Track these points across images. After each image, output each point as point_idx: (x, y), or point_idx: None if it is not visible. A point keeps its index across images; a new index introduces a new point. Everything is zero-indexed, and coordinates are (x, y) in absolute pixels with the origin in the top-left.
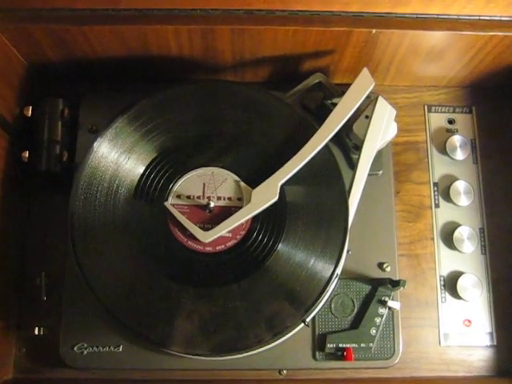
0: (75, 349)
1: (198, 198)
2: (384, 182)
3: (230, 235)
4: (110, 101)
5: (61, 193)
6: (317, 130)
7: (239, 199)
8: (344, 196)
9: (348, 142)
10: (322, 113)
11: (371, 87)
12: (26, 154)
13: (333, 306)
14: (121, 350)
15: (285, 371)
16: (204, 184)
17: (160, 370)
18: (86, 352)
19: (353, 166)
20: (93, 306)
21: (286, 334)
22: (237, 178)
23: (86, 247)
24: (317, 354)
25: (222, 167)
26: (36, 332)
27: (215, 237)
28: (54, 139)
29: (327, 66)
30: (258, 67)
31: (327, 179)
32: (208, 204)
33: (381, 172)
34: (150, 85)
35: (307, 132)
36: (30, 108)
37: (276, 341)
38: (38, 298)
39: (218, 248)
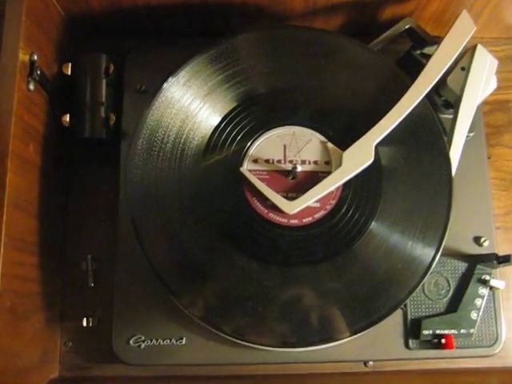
0: (131, 342)
1: (279, 162)
2: (476, 145)
3: (319, 205)
4: (159, 57)
5: (107, 163)
6: (411, 82)
7: (327, 163)
8: (447, 157)
9: (437, 99)
10: (407, 65)
11: (472, 32)
12: (67, 117)
13: (425, 286)
14: (184, 342)
15: (371, 362)
16: (285, 146)
17: (229, 364)
18: (143, 346)
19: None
20: (151, 292)
21: (382, 319)
22: (323, 138)
23: (146, 221)
24: (410, 341)
25: (305, 126)
26: (84, 323)
27: (301, 207)
28: (97, 101)
29: (410, 13)
30: (330, 15)
31: (426, 138)
32: (294, 168)
33: (472, 134)
34: (204, 38)
35: (400, 85)
36: (70, 65)
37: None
38: (85, 285)
39: (304, 220)
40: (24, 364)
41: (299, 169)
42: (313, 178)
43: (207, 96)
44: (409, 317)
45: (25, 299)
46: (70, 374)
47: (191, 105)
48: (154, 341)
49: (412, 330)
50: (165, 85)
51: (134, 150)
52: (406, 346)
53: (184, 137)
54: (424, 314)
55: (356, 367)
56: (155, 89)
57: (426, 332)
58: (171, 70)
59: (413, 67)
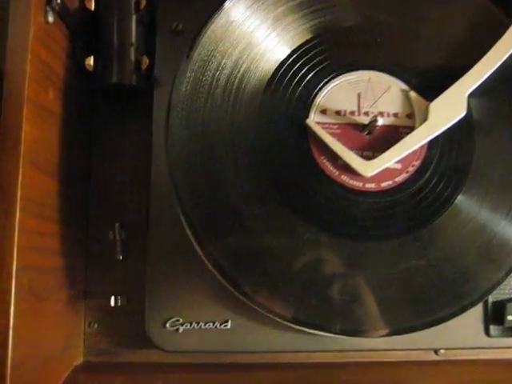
0: (167, 326)
1: (352, 113)
2: None
3: (400, 167)
4: None
5: (135, 114)
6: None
7: (409, 116)
8: None
9: None
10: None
11: None
12: (91, 60)
13: None
14: (229, 326)
15: (442, 351)
16: (359, 95)
17: (281, 352)
18: (181, 330)
19: None
20: (192, 267)
21: (475, 305)
22: (405, 86)
23: (188, 181)
24: (491, 328)
25: (384, 71)
26: (112, 303)
27: (380, 169)
28: (126, 41)
29: None
30: None
31: None
32: (373, 121)
33: None
34: None
35: (497, 24)
36: None
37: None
38: (112, 258)
39: (383, 185)
40: (45, 351)
41: (380, 122)
42: (392, 134)
43: (276, 23)
44: (490, 300)
45: (44, 275)
46: (95, 360)
47: (255, 32)
48: (195, 324)
49: (494, 314)
50: (227, 3)
51: (177, 94)
52: (487, 333)
53: (240, 74)
54: (509, 296)
55: (424, 356)
56: (193, 28)
57: (511, 317)
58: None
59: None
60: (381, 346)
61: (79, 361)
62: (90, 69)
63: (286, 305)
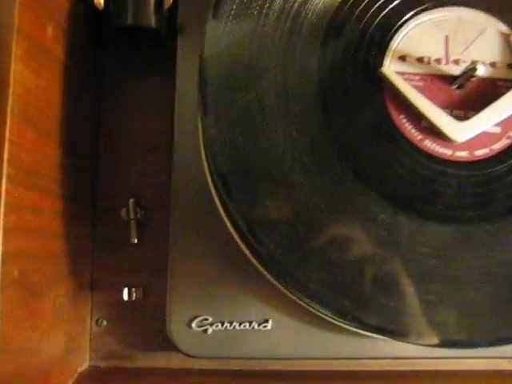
0: (193, 325)
1: (438, 61)
2: None
3: (499, 131)
4: None
5: (155, 65)
6: None
7: (510, 66)
8: None
9: None
10: None
11: None
12: None
13: None
14: (270, 327)
15: None
16: (446, 38)
17: (335, 358)
18: (210, 331)
19: None
20: (224, 254)
21: None
22: (505, 27)
23: (229, 141)
24: None
25: (478, 8)
26: (125, 296)
27: (475, 133)
28: None
29: None
30: None
31: None
32: (469, 72)
33: None
34: None
35: None
36: None
37: None
38: (125, 241)
39: (477, 153)
40: (42, 358)
41: (480, 71)
42: (489, 89)
43: None
44: None
45: (40, 264)
46: (104, 364)
47: None
48: (227, 324)
49: None
50: None
51: (212, 36)
52: None
53: (295, 9)
54: None
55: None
56: None
57: None
58: None
59: None
60: (461, 353)
61: (84, 366)
62: (100, 7)
63: (351, 304)
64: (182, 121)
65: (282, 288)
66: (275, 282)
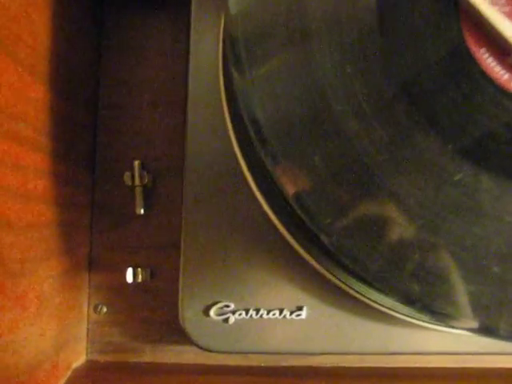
0: (211, 313)
1: None
2: None
3: None
4: None
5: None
6: None
7: None
8: None
9: None
10: None
11: None
12: None
13: None
14: (304, 316)
15: None
16: None
17: (392, 353)
18: (232, 320)
19: None
20: (249, 225)
21: None
22: None
23: (266, 84)
24: None
25: None
26: (129, 277)
27: None
28: None
29: None
30: None
31: None
32: None
33: None
34: None
35: None
36: None
37: None
38: (129, 212)
39: None
40: (27, 355)
41: None
42: None
43: None
44: None
45: (23, 236)
46: (104, 359)
47: None
48: (253, 312)
49: None
50: None
51: None
52: None
53: None
54: None
55: None
56: None
57: None
58: None
59: None
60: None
61: (80, 361)
62: None
63: (422, 289)
64: (198, 71)
65: (321, 269)
66: (314, 262)
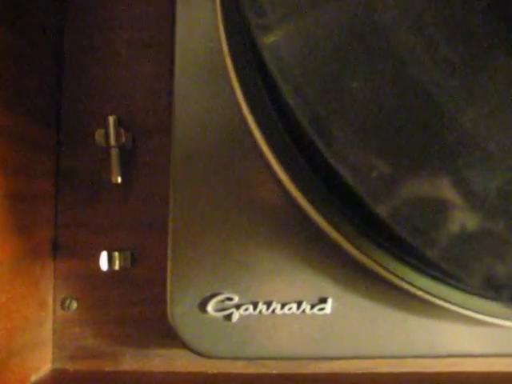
0: (209, 309)
1: None
2: None
3: None
4: None
5: None
6: None
7: None
8: None
9: None
10: None
11: None
12: None
13: None
14: (329, 311)
15: None
16: None
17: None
18: (237, 316)
19: None
20: (260, 195)
21: None
22: None
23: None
24: None
25: None
26: (103, 264)
27: None
28: None
29: None
30: None
31: None
32: None
33: None
34: None
35: None
36: None
37: None
38: (102, 181)
39: None
40: None
41: None
42: None
43: None
44: None
45: None
46: (74, 367)
47: None
48: (263, 307)
49: None
50: None
51: None
52: None
53: None
54: None
55: None
56: None
57: None
58: None
59: None
60: None
61: (44, 371)
62: None
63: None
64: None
65: (353, 249)
66: (343, 240)
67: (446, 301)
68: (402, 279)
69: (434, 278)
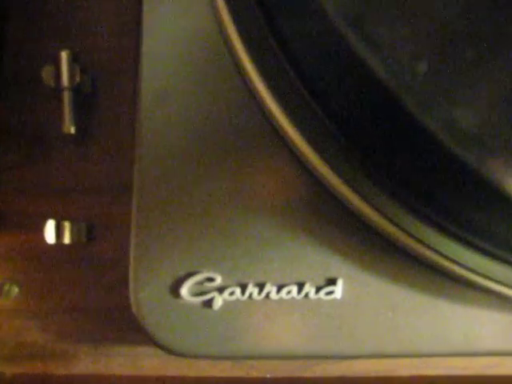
0: (183, 292)
1: None
2: None
3: None
4: None
5: None
6: None
7: None
8: None
9: None
10: None
11: None
12: None
13: None
14: (339, 295)
15: None
16: None
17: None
18: (219, 302)
19: None
20: (250, 138)
21: None
22: None
23: None
24: None
25: None
26: (49, 237)
27: None
28: None
29: None
30: None
31: None
32: None
33: None
34: None
35: None
36: None
37: None
38: (50, 133)
39: None
40: None
41: None
42: None
43: None
44: None
45: None
46: (13, 370)
47: None
48: (253, 289)
49: None
50: None
51: None
52: None
53: None
54: None
55: None
56: None
57: None
58: None
59: None
60: None
61: None
62: None
63: None
64: None
65: (370, 211)
66: (358, 200)
67: (488, 278)
68: (437, 252)
69: (477, 248)
